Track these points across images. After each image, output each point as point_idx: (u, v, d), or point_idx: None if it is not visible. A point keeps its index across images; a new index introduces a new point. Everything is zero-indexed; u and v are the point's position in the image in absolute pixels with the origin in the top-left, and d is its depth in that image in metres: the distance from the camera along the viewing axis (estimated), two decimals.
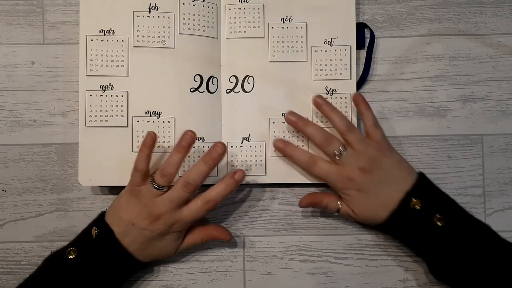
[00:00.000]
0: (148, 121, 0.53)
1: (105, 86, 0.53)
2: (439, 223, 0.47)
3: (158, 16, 0.54)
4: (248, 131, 0.55)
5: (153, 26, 0.54)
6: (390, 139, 0.53)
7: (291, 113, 0.52)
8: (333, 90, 0.55)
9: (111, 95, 0.53)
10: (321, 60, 0.55)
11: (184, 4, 0.54)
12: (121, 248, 0.48)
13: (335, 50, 0.55)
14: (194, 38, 0.54)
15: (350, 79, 0.55)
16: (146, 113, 0.54)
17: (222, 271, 0.55)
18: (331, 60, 0.55)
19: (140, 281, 0.54)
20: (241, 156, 0.55)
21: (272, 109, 0.55)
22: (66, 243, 0.49)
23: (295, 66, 0.55)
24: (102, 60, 0.53)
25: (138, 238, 0.48)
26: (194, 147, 0.54)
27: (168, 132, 0.53)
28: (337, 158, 0.50)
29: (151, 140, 0.49)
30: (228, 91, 0.55)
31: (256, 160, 0.55)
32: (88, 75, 0.53)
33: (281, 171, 0.54)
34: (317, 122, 0.55)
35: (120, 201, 0.50)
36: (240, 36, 0.55)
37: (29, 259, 0.55)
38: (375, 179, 0.49)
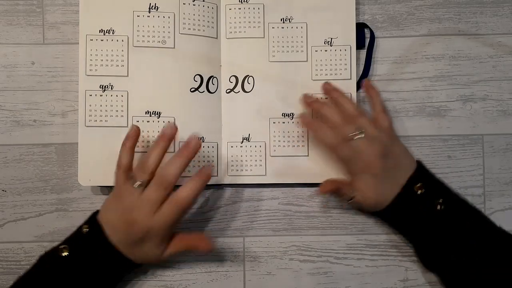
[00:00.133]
0: (148, 121, 0.53)
1: (105, 86, 0.53)
2: (439, 207, 0.48)
3: (158, 16, 0.54)
4: (248, 131, 0.55)
5: (153, 26, 0.54)
6: None
7: (307, 96, 0.53)
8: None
9: (111, 95, 0.53)
10: (321, 60, 0.55)
11: (184, 4, 0.54)
12: (111, 247, 0.47)
13: (335, 50, 0.55)
14: (194, 38, 0.54)
15: (350, 79, 0.55)
16: (146, 113, 0.54)
17: (222, 271, 0.55)
18: (331, 60, 0.55)
19: (139, 281, 0.54)
20: (241, 156, 0.55)
21: (272, 109, 0.55)
22: None
23: (295, 66, 0.55)
24: (102, 60, 0.53)
25: (123, 241, 0.48)
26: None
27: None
28: (355, 139, 0.49)
29: (134, 132, 0.48)
30: (228, 91, 0.55)
31: (256, 160, 0.55)
32: (88, 75, 0.53)
33: (281, 171, 0.54)
34: None
35: (106, 203, 0.49)
36: (240, 36, 0.55)
37: (29, 259, 0.54)
38: (389, 165, 0.49)
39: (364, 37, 0.56)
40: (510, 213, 0.55)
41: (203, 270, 0.55)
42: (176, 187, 0.47)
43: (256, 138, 0.55)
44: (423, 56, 0.57)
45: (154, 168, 0.47)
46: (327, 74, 0.55)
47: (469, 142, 0.56)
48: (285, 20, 0.56)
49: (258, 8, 0.55)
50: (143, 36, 0.54)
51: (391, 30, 0.57)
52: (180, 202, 0.46)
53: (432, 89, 0.56)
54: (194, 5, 0.54)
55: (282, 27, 0.55)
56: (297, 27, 0.55)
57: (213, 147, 0.54)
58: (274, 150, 0.55)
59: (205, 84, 0.54)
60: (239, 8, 0.55)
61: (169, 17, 0.54)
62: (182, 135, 0.53)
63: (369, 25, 0.57)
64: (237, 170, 0.55)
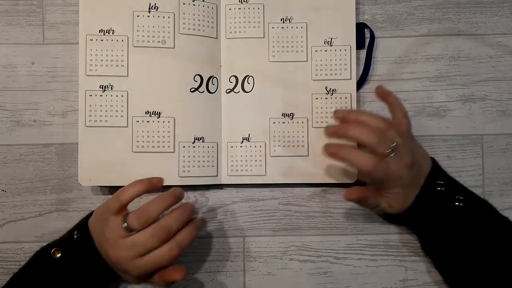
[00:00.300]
0: (148, 121, 0.53)
1: (105, 86, 0.53)
2: (458, 203, 0.47)
3: (158, 16, 0.54)
4: (248, 131, 0.55)
5: (153, 26, 0.54)
6: None
7: (328, 128, 0.48)
8: (333, 90, 0.55)
9: (111, 95, 0.53)
10: (321, 60, 0.55)
11: (184, 4, 0.54)
12: (98, 256, 0.47)
13: (335, 50, 0.55)
14: (194, 38, 0.54)
15: (350, 79, 0.55)
16: (146, 113, 0.54)
17: (222, 271, 0.55)
18: (331, 60, 0.55)
19: (136, 286, 0.54)
20: (241, 156, 0.55)
21: (272, 109, 0.55)
22: None
23: (295, 66, 0.55)
24: (102, 60, 0.53)
25: (105, 259, 0.47)
26: (194, 147, 0.54)
27: (168, 132, 0.53)
28: (392, 156, 0.45)
29: (158, 183, 0.46)
30: (228, 91, 0.55)
31: (256, 160, 0.55)
32: (88, 75, 0.53)
33: (281, 171, 0.54)
34: (317, 122, 0.55)
35: (95, 217, 0.48)
36: (240, 36, 0.55)
37: None
38: (415, 173, 0.47)
39: (364, 37, 0.56)
40: (510, 213, 0.55)
41: (203, 270, 0.55)
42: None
43: (256, 138, 0.55)
44: (423, 56, 0.57)
45: (151, 222, 0.44)
46: (327, 74, 0.55)
47: (469, 142, 0.56)
48: (285, 20, 0.56)
49: (258, 8, 0.55)
50: (143, 36, 0.54)
51: (391, 30, 0.57)
52: (179, 248, 0.45)
53: (432, 89, 0.57)
54: (194, 5, 0.54)
55: (282, 27, 0.55)
56: (297, 27, 0.55)
57: (213, 147, 0.54)
58: (274, 150, 0.55)
59: (205, 84, 0.54)
60: (239, 8, 0.55)
61: (169, 17, 0.54)
62: (182, 135, 0.54)
63: (369, 25, 0.57)
64: (237, 170, 0.55)
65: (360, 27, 0.56)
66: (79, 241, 0.48)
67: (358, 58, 0.56)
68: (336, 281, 0.55)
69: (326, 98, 0.55)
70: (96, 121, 0.53)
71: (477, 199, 0.50)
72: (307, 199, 0.56)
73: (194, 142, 0.54)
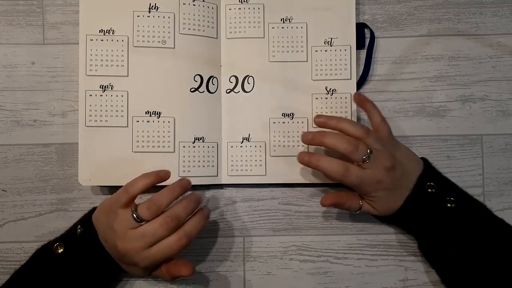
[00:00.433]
0: (148, 121, 0.53)
1: (105, 86, 0.53)
2: (450, 205, 0.48)
3: (158, 16, 0.54)
4: (248, 131, 0.55)
5: (153, 26, 0.54)
6: None
7: (305, 133, 0.50)
8: (333, 90, 0.55)
9: (111, 95, 0.53)
10: (321, 60, 0.55)
11: (184, 4, 0.54)
12: (102, 250, 0.47)
13: (335, 50, 0.55)
14: (194, 38, 0.54)
15: (350, 79, 0.55)
16: (146, 113, 0.54)
17: (222, 271, 0.55)
18: (331, 60, 0.55)
19: (138, 281, 0.54)
20: (241, 156, 0.55)
21: (272, 109, 0.55)
22: None
23: (295, 66, 0.55)
24: (102, 60, 0.53)
25: (112, 254, 0.47)
26: (194, 147, 0.54)
27: (168, 132, 0.53)
28: (367, 162, 0.47)
29: (165, 176, 0.47)
30: (228, 91, 0.55)
31: (256, 160, 0.55)
32: (88, 75, 0.53)
33: (281, 171, 0.55)
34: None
35: (101, 211, 0.48)
36: (240, 36, 0.55)
37: None
38: (397, 175, 0.48)
39: (364, 37, 0.57)
40: (510, 213, 0.55)
41: (203, 270, 0.55)
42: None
43: (256, 138, 0.55)
44: (423, 56, 0.57)
45: (160, 212, 0.45)
46: (327, 74, 0.55)
47: (469, 142, 0.56)
48: (285, 20, 0.56)
49: (258, 8, 0.55)
50: (143, 36, 0.54)
51: (391, 30, 0.57)
52: (188, 238, 0.46)
53: (432, 89, 0.57)
54: (194, 5, 0.54)
55: (282, 27, 0.55)
56: (297, 27, 0.55)
57: (213, 147, 0.54)
58: (274, 150, 0.55)
59: (205, 84, 0.54)
60: (239, 8, 0.55)
61: (169, 17, 0.54)
62: (182, 135, 0.54)
63: (369, 25, 0.57)
64: (237, 170, 0.55)
65: (360, 27, 0.56)
66: (83, 235, 0.48)
67: (358, 58, 0.56)
68: (336, 281, 0.55)
69: (326, 98, 0.55)
70: (96, 121, 0.53)
71: (470, 200, 0.50)
72: (307, 199, 0.56)
73: (194, 142, 0.54)
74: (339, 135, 0.48)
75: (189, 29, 0.54)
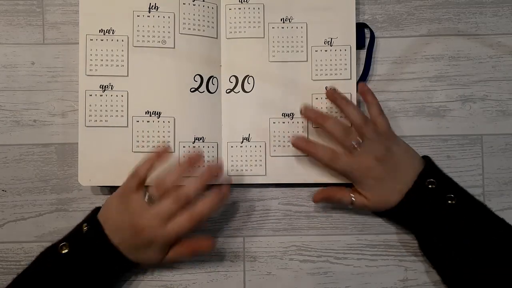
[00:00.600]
0: (148, 121, 0.53)
1: (105, 86, 0.53)
2: (450, 202, 0.48)
3: (158, 16, 0.54)
4: (248, 131, 0.55)
5: (153, 26, 0.54)
6: None
7: (308, 109, 0.52)
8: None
9: (111, 95, 0.53)
10: (321, 60, 0.55)
11: (184, 4, 0.54)
12: (110, 246, 0.47)
13: (335, 50, 0.55)
14: (194, 38, 0.54)
15: (350, 79, 0.55)
16: (146, 113, 0.54)
17: (222, 271, 0.55)
18: (331, 60, 0.55)
19: (139, 281, 0.54)
20: (241, 156, 0.55)
21: (272, 109, 0.55)
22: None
23: (295, 66, 0.55)
24: (102, 60, 0.53)
25: (125, 243, 0.48)
26: (194, 147, 0.54)
27: (168, 132, 0.54)
28: (357, 150, 0.50)
29: (165, 154, 0.49)
30: (228, 91, 0.55)
31: (256, 160, 0.55)
32: (88, 75, 0.53)
33: (281, 171, 0.55)
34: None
35: (111, 203, 0.49)
36: (240, 36, 0.55)
37: (29, 259, 0.54)
38: (390, 166, 0.50)
39: (364, 37, 0.57)
40: (510, 213, 0.55)
41: (203, 270, 0.55)
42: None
43: (256, 138, 0.55)
44: (423, 56, 0.57)
45: (170, 188, 0.47)
46: (327, 74, 0.55)
47: (468, 142, 0.56)
48: (285, 20, 0.56)
49: (258, 8, 0.55)
50: (143, 36, 0.54)
51: (391, 30, 0.57)
52: (198, 216, 0.47)
53: (432, 89, 0.57)
54: (194, 5, 0.54)
55: (282, 27, 0.55)
56: (297, 27, 0.55)
57: (213, 147, 0.54)
58: (274, 150, 0.55)
59: (205, 84, 0.54)
60: (239, 8, 0.55)
61: (169, 17, 0.54)
62: (182, 135, 0.54)
63: (369, 25, 0.57)
64: (237, 170, 0.55)
65: (360, 27, 0.56)
66: (90, 233, 0.48)
67: (358, 58, 0.56)
68: (336, 281, 0.55)
69: (326, 98, 0.55)
70: (96, 121, 0.53)
71: (470, 198, 0.50)
72: (307, 199, 0.56)
73: (194, 142, 0.54)
74: (338, 121, 0.52)
75: (189, 29, 0.54)
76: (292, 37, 0.55)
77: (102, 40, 0.54)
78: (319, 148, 0.51)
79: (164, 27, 0.54)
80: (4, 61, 0.56)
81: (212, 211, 0.48)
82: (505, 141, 0.56)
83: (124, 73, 0.54)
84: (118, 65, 0.54)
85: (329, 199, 0.53)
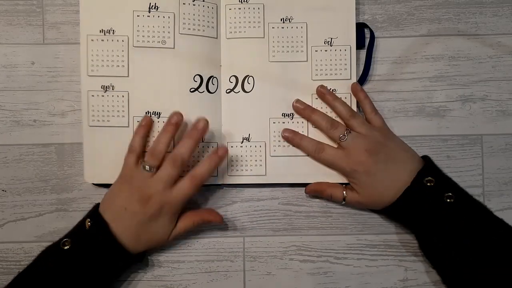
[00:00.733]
0: None
1: (106, 87, 0.53)
2: (448, 200, 0.48)
3: (158, 16, 0.54)
4: (248, 131, 0.55)
5: (153, 26, 0.54)
6: None
7: (299, 101, 0.54)
8: (333, 90, 0.55)
9: (112, 96, 0.53)
10: (321, 60, 0.55)
11: (184, 4, 0.54)
12: (113, 241, 0.48)
13: (335, 50, 0.55)
14: (194, 38, 0.54)
15: (350, 79, 0.55)
16: (146, 113, 0.54)
17: (222, 271, 0.55)
18: (331, 60, 0.55)
19: (139, 281, 0.54)
20: (241, 156, 0.55)
21: (272, 109, 0.55)
22: None
23: (295, 66, 0.55)
24: (102, 60, 0.54)
25: (131, 224, 0.48)
26: (197, 147, 0.54)
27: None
28: (343, 141, 0.51)
29: (146, 121, 0.52)
30: (228, 91, 0.55)
31: (256, 160, 0.55)
32: (89, 75, 0.53)
33: (281, 171, 0.55)
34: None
35: (112, 190, 0.51)
36: (240, 36, 0.55)
37: (29, 259, 0.54)
38: (382, 160, 0.50)
39: (364, 37, 0.57)
40: (510, 213, 0.55)
41: (203, 270, 0.55)
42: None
43: (256, 138, 0.55)
44: (423, 56, 0.57)
45: (164, 153, 0.50)
46: (327, 74, 0.55)
47: (468, 142, 0.56)
48: (285, 20, 0.56)
49: (258, 8, 0.55)
50: (143, 36, 0.54)
51: (391, 30, 0.57)
52: (198, 177, 0.49)
53: (432, 89, 0.57)
54: (194, 5, 0.54)
55: (282, 27, 0.55)
56: (297, 27, 0.55)
57: (213, 147, 0.54)
58: (274, 150, 0.55)
59: (205, 84, 0.54)
60: (239, 8, 0.55)
61: (169, 17, 0.54)
62: (183, 135, 0.54)
63: (369, 25, 0.57)
64: (237, 170, 0.55)
65: (360, 27, 0.56)
66: (93, 228, 0.48)
67: (358, 58, 0.56)
68: (336, 281, 0.55)
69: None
70: (99, 121, 0.53)
71: (469, 198, 0.50)
72: (307, 199, 0.56)
73: None
74: (324, 114, 0.54)
75: (189, 29, 0.54)
76: (292, 37, 0.55)
77: (102, 40, 0.54)
78: (304, 140, 0.53)
79: (164, 27, 0.54)
80: (4, 61, 0.56)
81: (211, 172, 0.50)
82: (505, 141, 0.56)
83: (125, 73, 0.54)
84: (118, 66, 0.54)
85: (320, 193, 0.54)
